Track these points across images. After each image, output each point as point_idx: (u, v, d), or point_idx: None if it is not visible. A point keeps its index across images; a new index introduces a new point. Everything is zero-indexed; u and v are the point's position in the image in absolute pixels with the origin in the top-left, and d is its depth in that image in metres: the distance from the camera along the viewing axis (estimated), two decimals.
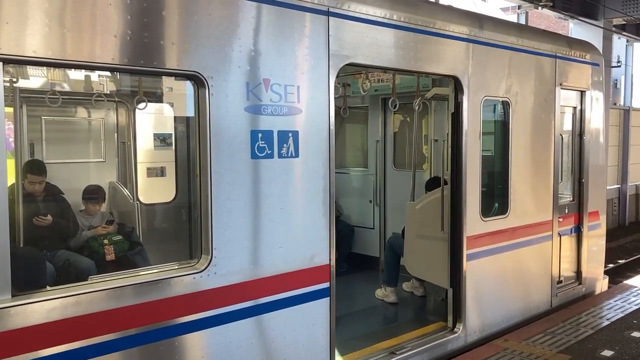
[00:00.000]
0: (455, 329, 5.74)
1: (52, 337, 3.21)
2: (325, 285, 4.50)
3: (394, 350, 5.22)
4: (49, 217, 5.29)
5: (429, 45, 5.28)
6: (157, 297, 3.60)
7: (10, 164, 5.07)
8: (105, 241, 5.63)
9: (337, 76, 4.56)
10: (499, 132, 6.52)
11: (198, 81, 3.75)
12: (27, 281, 3.58)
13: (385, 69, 5.81)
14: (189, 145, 6.32)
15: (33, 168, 5.54)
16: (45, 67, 5.89)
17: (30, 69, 5.92)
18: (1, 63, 3.03)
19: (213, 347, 3.88)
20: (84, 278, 4.26)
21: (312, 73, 4.34)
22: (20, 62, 3.46)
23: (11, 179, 4.76)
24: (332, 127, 4.49)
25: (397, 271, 6.99)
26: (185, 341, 3.75)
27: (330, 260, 4.52)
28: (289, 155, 4.23)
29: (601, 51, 8.55)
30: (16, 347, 3.10)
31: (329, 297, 4.52)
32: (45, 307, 3.18)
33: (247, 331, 4.04)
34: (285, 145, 4.20)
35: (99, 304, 3.37)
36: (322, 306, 4.49)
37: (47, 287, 3.57)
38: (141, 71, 3.69)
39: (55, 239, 5.44)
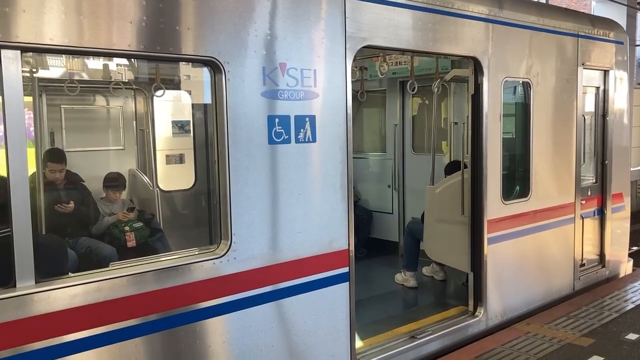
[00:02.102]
0: (477, 313, 5.71)
1: (75, 323, 3.25)
2: (345, 269, 4.50)
3: (414, 335, 5.21)
4: (72, 205, 5.35)
5: (448, 26, 5.19)
6: (177, 282, 3.63)
7: (31, 153, 5.13)
8: (127, 228, 5.69)
9: (354, 59, 4.50)
10: (520, 113, 6.42)
11: (214, 66, 3.73)
12: (49, 268, 3.63)
13: (403, 51, 5.73)
14: (207, 132, 6.33)
15: (53, 156, 5.60)
16: (63, 56, 5.93)
17: (49, 59, 5.96)
18: (19, 52, 3.04)
19: (234, 332, 3.90)
20: (106, 265, 4.31)
21: (329, 56, 4.30)
22: (37, 51, 3.47)
23: (32, 168, 4.81)
24: (350, 111, 4.45)
25: (416, 256, 6.96)
26: (206, 326, 3.77)
27: (349, 244, 4.51)
28: (306, 140, 4.21)
29: (625, 29, 8.32)
30: (40, 333, 3.14)
31: (348, 282, 4.51)
32: (68, 293, 3.22)
33: (268, 316, 4.06)
34: (302, 130, 4.18)
35: (120, 290, 3.41)
36: (341, 291, 4.48)
37: (70, 273, 3.62)
38: (157, 57, 3.69)
39: (77, 227, 5.51)
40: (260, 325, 4.02)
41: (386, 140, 8.62)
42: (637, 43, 16.67)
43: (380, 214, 8.57)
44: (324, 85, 4.27)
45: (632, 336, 5.52)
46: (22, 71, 3.11)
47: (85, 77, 6.58)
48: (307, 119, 4.18)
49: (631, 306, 6.38)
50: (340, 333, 4.49)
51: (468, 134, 5.69)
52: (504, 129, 5.84)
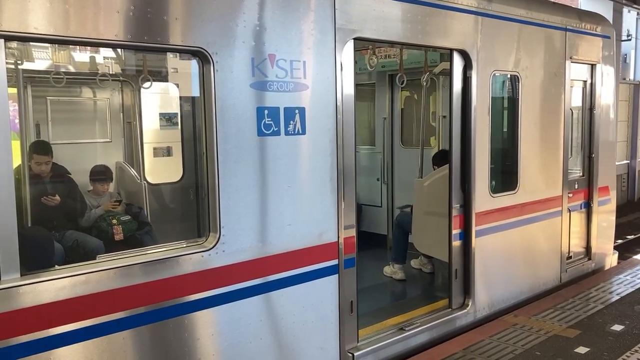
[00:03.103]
0: (465, 305, 5.73)
1: (62, 316, 3.22)
2: (334, 262, 4.49)
3: (403, 327, 5.23)
4: (58, 197, 5.29)
5: (437, 19, 5.18)
6: (165, 275, 3.61)
7: (16, 145, 5.05)
8: (114, 221, 5.63)
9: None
10: (508, 107, 6.44)
11: (203, 57, 3.69)
12: (35, 260, 3.59)
13: (392, 44, 5.71)
14: (195, 125, 6.28)
15: (39, 148, 5.52)
16: (49, 47, 5.85)
17: (35, 51, 5.87)
18: (3, 40, 2.98)
19: (222, 325, 3.89)
20: (93, 258, 4.27)
21: (319, 48, 4.28)
22: (22, 39, 3.41)
23: (17, 161, 4.74)
24: (339, 103, 4.44)
25: (405, 248, 6.98)
26: (195, 319, 3.76)
27: (338, 237, 4.50)
28: (296, 132, 4.19)
29: (611, 24, 8.38)
30: (26, 326, 3.11)
31: (337, 274, 4.51)
32: (54, 285, 3.19)
33: (256, 308, 4.05)
34: (292, 122, 4.16)
35: (108, 282, 3.38)
36: (330, 283, 4.48)
37: (56, 266, 3.58)
38: (145, 47, 3.64)
39: (64, 220, 5.45)
40: (249, 318, 4.01)
41: (375, 134, 8.62)
42: (623, 38, 16.80)
43: (370, 207, 8.58)
44: (313, 77, 4.26)
45: (617, 327, 5.58)
46: (6, 62, 3.05)
47: (72, 68, 6.49)
48: (296, 111, 4.16)
49: (616, 298, 6.45)
50: (329, 325, 4.50)
51: (454, 127, 5.68)
52: (492, 122, 5.85)
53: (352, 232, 4.63)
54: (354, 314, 4.68)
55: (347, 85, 4.53)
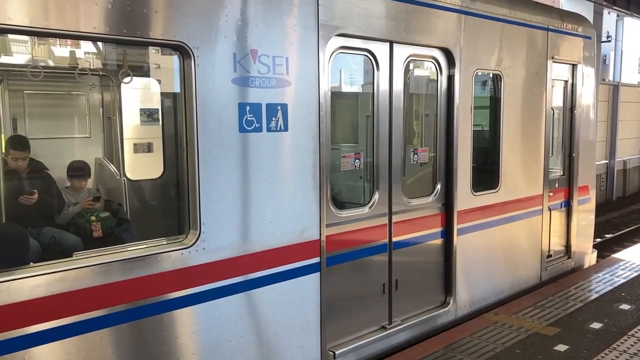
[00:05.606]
0: (446, 303, 5.75)
1: (37, 314, 3.15)
2: (316, 260, 4.47)
3: (384, 325, 5.22)
4: (36, 195, 5.18)
5: (421, 16, 5.18)
6: (144, 273, 3.55)
7: None
8: (93, 218, 5.53)
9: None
10: (491, 106, 6.46)
11: (183, 52, 3.64)
12: (9, 258, 3.50)
13: (375, 41, 5.68)
14: (176, 121, 6.21)
15: (16, 143, 5.40)
16: (27, 39, 5.73)
17: (12, 44, 5.74)
18: None
19: (202, 323, 3.84)
20: (71, 255, 4.19)
21: (301, 44, 4.24)
22: None
23: None
24: (322, 100, 4.40)
25: None
26: (174, 317, 3.70)
27: (320, 235, 4.47)
28: (278, 129, 4.15)
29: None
30: (0, 324, 3.03)
31: (319, 272, 4.48)
32: (28, 284, 3.11)
33: (237, 307, 4.00)
34: (274, 118, 4.12)
35: (85, 280, 3.31)
36: (312, 281, 4.46)
37: (31, 263, 3.50)
38: (124, 41, 3.58)
39: (41, 216, 5.34)
40: (230, 316, 3.97)
41: (358, 132, 8.59)
42: (603, 39, 17.03)
43: (352, 205, 8.54)
44: (296, 74, 4.22)
45: (595, 325, 5.64)
46: None
47: (50, 62, 6.36)
48: (278, 107, 4.12)
49: (595, 296, 6.52)
50: (310, 324, 4.47)
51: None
52: (474, 121, 5.87)
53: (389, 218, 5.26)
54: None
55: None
